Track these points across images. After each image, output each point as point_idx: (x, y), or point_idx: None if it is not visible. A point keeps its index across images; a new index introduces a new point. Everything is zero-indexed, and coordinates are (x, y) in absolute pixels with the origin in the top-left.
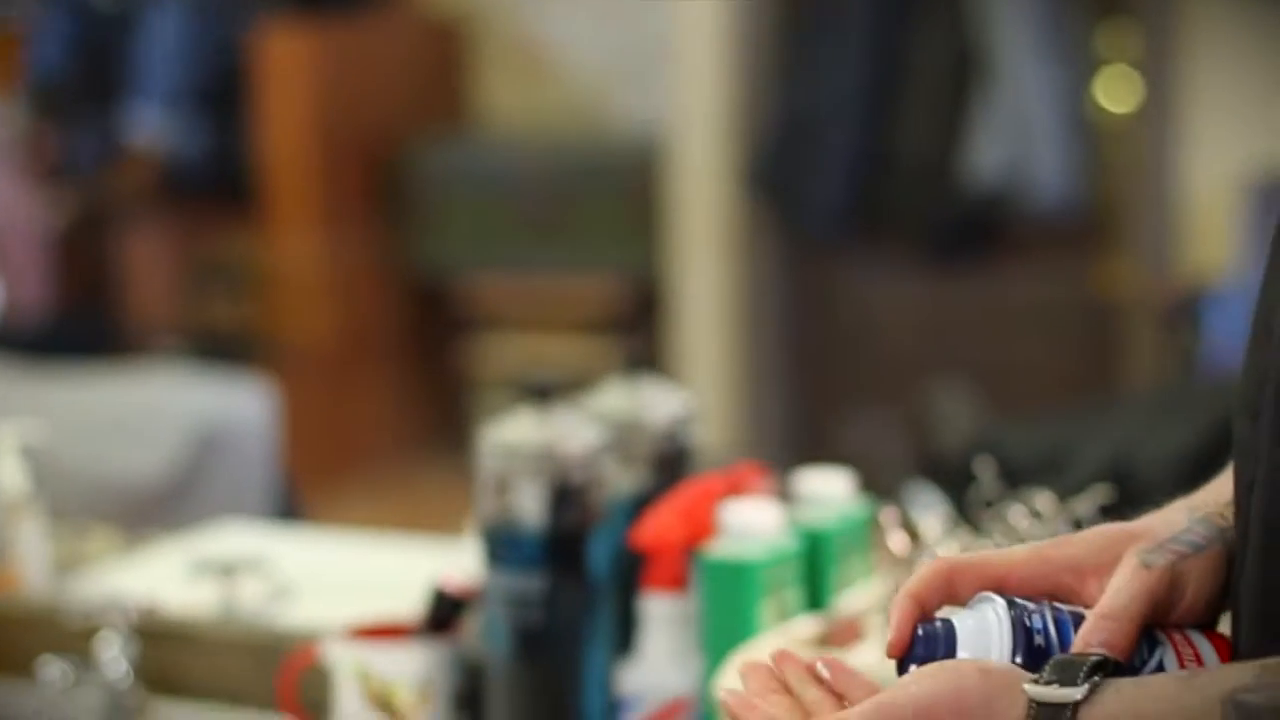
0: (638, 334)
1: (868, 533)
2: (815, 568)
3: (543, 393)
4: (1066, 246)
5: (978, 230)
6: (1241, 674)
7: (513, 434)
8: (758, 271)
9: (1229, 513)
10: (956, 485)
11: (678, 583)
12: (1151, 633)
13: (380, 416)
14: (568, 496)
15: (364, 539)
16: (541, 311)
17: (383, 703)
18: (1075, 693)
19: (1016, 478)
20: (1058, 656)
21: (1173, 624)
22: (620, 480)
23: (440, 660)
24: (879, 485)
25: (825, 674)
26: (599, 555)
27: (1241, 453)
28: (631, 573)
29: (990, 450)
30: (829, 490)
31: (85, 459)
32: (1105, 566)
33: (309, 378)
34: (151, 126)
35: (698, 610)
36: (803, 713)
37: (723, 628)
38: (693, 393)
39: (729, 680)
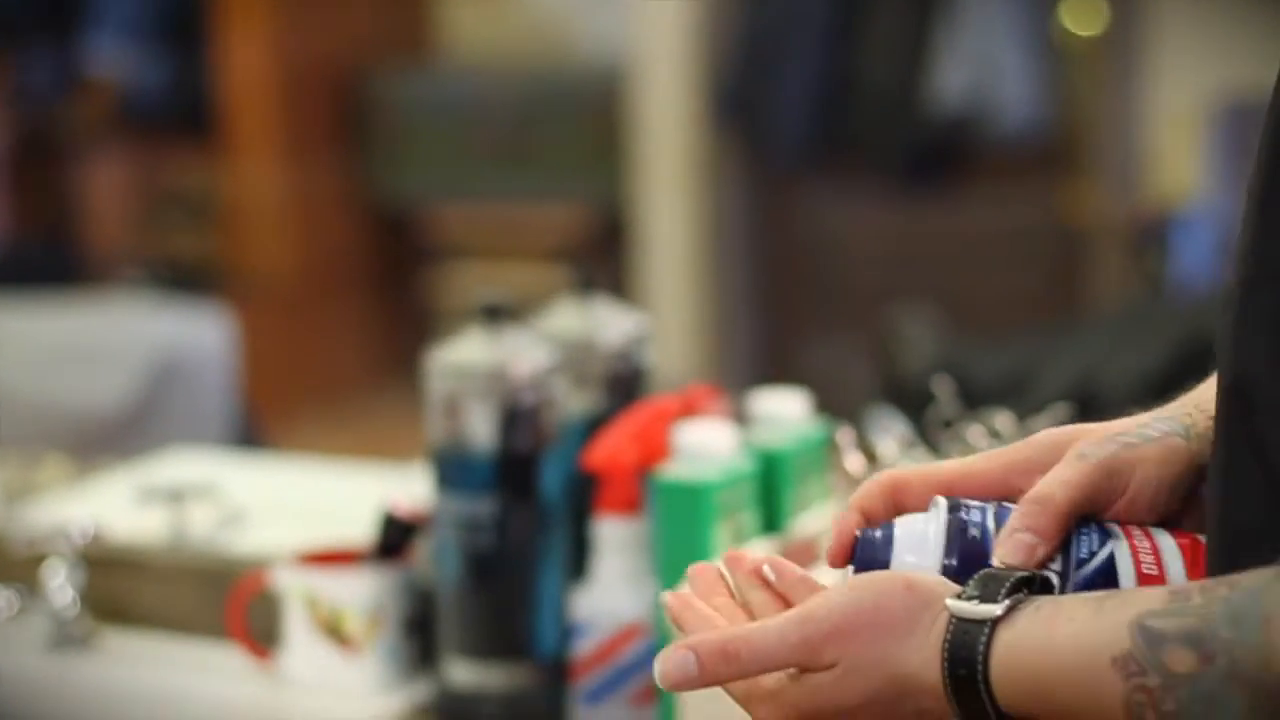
0: (600, 260)
1: (824, 454)
2: (771, 489)
3: (493, 313)
4: (1032, 171)
5: (942, 156)
6: (1152, 599)
7: (462, 355)
8: (722, 198)
9: (1198, 413)
10: (919, 408)
11: (631, 505)
12: (1105, 526)
13: (344, 346)
14: (518, 418)
15: (318, 466)
16: (507, 240)
17: (332, 629)
18: (995, 609)
19: (980, 400)
20: (983, 572)
21: (1134, 520)
22: (573, 401)
23: (390, 585)
24: (843, 410)
25: (770, 576)
26: (551, 478)
27: (1220, 352)
28: (584, 496)
29: (954, 373)
30: (785, 411)
31: (42, 388)
32: (1054, 465)
33: (272, 308)
34: (110, 56)
35: (651, 533)
36: (745, 615)
37: (677, 551)
38: (657, 320)
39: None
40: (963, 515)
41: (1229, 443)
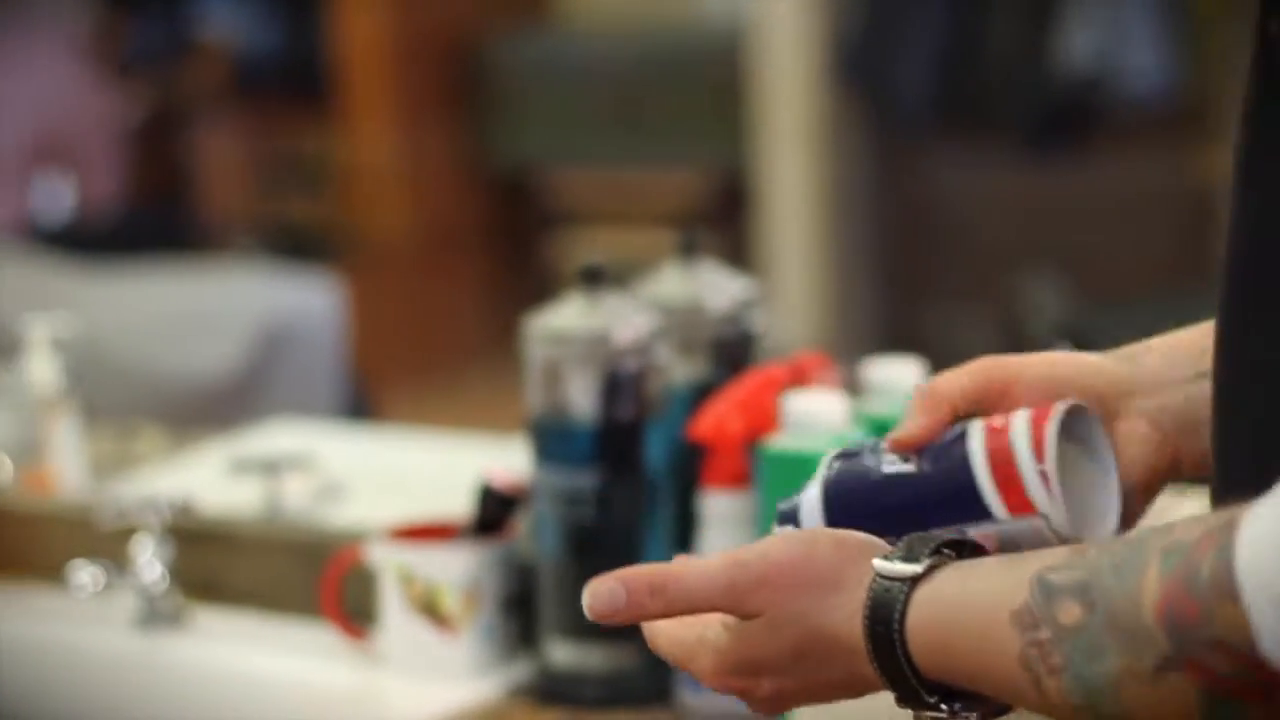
0: (719, 225)
1: None
2: None
3: (592, 276)
4: (1161, 134)
5: (1070, 118)
6: (1056, 554)
7: (561, 320)
8: (844, 162)
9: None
10: None
11: (738, 478)
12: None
13: (462, 313)
14: (620, 386)
15: (424, 437)
16: (625, 205)
17: (427, 607)
18: (915, 567)
19: None
20: (913, 535)
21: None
22: (678, 369)
23: (488, 562)
24: None
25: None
26: (655, 449)
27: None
28: (690, 468)
29: (1080, 338)
30: (899, 379)
31: (149, 356)
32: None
33: (388, 274)
34: (223, 20)
35: (759, 507)
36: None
37: None
38: (777, 286)
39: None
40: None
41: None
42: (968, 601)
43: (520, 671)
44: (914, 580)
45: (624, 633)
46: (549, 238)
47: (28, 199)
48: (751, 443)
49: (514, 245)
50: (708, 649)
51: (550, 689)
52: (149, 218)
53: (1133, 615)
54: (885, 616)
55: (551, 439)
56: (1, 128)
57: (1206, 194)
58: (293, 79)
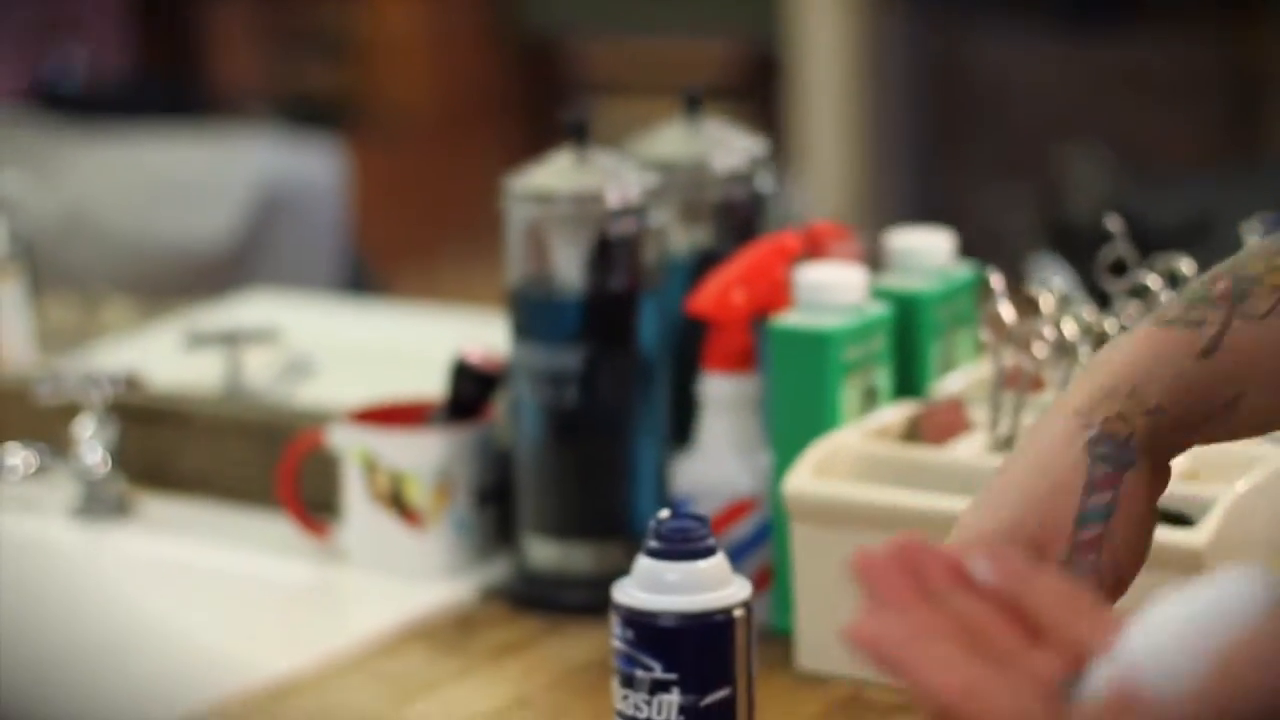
0: (753, 97)
1: (973, 302)
2: (909, 342)
3: (579, 132)
4: (1213, 8)
5: None
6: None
7: (546, 179)
8: (881, 33)
9: (1132, 407)
10: (1087, 256)
11: (743, 359)
12: None
13: (484, 183)
14: (611, 252)
15: (413, 312)
16: (655, 76)
17: (393, 498)
18: None
19: (1154, 246)
20: None
21: None
22: (680, 236)
23: (461, 449)
24: (1008, 258)
25: (986, 576)
26: (649, 325)
27: None
28: (689, 347)
29: (1127, 216)
30: (927, 251)
31: (141, 222)
32: None
33: (406, 145)
34: None
35: (766, 392)
36: (962, 634)
37: (796, 413)
38: (812, 161)
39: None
40: None
41: None
42: None
43: (496, 572)
44: None
45: (609, 532)
46: (575, 108)
47: (39, 68)
48: (758, 319)
49: (541, 116)
50: None
51: (528, 592)
52: (160, 85)
53: None
54: None
55: (533, 312)
56: None
57: (1256, 74)
58: None
